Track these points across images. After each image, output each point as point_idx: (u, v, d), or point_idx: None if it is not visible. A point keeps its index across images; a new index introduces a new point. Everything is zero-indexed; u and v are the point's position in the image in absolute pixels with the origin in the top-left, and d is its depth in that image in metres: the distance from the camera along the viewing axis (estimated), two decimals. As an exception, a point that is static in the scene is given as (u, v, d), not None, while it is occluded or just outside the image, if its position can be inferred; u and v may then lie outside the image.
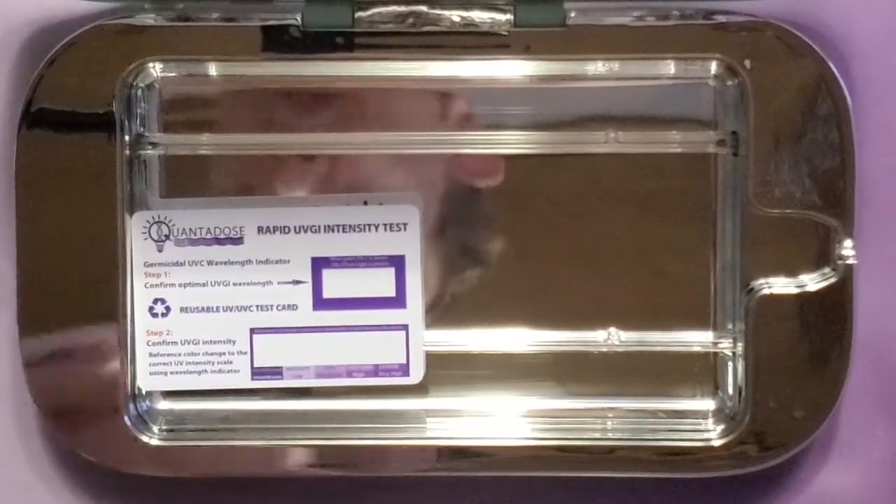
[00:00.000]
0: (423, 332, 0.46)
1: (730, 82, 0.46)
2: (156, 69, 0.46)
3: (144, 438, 0.46)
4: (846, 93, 0.45)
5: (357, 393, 0.47)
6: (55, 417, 0.46)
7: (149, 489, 0.48)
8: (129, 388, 0.46)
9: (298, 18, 0.45)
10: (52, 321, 0.45)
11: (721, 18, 0.46)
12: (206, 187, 0.47)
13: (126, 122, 0.46)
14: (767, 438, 0.46)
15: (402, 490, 0.48)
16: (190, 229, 0.45)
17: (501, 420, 0.47)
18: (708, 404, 0.47)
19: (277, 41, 0.45)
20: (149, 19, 0.46)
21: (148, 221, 0.45)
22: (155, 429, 0.47)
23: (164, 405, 0.47)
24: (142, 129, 0.46)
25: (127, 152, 0.46)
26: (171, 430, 0.47)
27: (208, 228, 0.45)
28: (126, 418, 0.46)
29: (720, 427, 0.47)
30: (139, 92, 0.46)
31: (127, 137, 0.46)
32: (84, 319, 0.45)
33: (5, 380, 0.48)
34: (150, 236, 0.45)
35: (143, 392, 0.47)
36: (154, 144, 0.46)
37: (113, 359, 0.46)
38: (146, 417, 0.47)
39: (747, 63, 0.45)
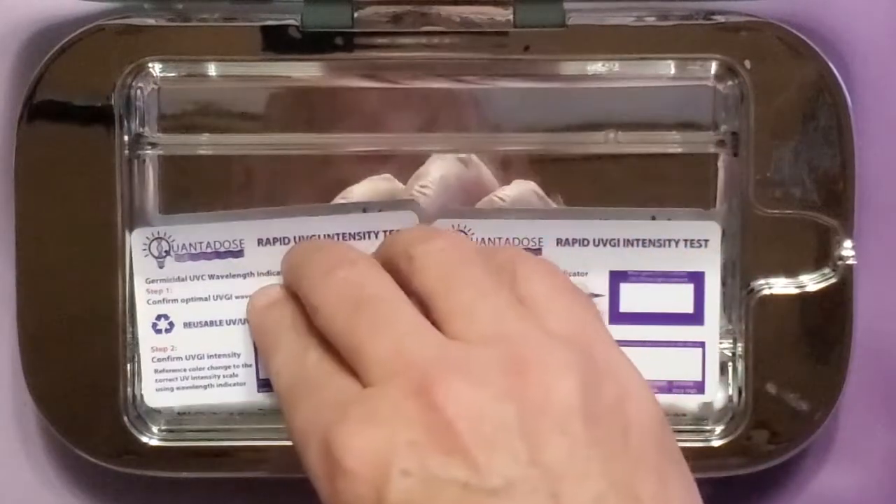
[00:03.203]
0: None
1: (730, 82, 0.46)
2: (155, 69, 0.46)
3: (144, 438, 0.46)
4: (846, 93, 0.45)
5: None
6: (55, 418, 0.46)
7: (149, 489, 0.48)
8: (130, 389, 0.46)
9: (298, 19, 0.45)
10: (51, 320, 0.45)
11: (721, 18, 0.45)
12: (206, 188, 0.47)
13: (125, 122, 0.45)
14: (767, 439, 0.46)
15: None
16: (190, 244, 0.45)
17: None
18: (707, 405, 0.47)
19: (277, 41, 0.45)
20: (149, 19, 0.46)
21: (147, 238, 0.45)
22: (155, 429, 0.47)
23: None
24: (141, 129, 0.46)
25: (126, 152, 0.46)
26: (171, 430, 0.47)
27: (208, 242, 0.45)
28: (126, 418, 0.46)
29: (719, 427, 0.47)
30: (139, 92, 0.46)
31: (126, 137, 0.46)
32: (83, 318, 0.45)
33: (5, 380, 0.48)
34: (151, 253, 0.45)
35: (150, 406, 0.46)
36: (153, 144, 0.46)
37: (113, 358, 0.46)
38: (146, 417, 0.47)
39: (747, 63, 0.45)
